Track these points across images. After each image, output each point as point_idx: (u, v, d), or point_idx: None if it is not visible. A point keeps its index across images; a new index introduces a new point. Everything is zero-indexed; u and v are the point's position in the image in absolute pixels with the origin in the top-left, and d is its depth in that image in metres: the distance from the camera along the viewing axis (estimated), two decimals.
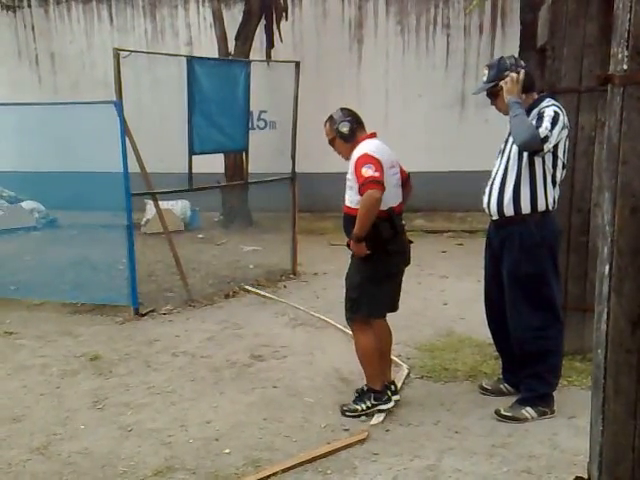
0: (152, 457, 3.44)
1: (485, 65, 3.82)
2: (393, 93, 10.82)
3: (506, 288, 3.75)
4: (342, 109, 3.87)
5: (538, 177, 3.55)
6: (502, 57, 3.72)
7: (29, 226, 9.81)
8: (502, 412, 3.73)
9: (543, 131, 3.41)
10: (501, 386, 4.08)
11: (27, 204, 10.17)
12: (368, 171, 3.55)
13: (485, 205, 3.77)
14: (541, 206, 3.57)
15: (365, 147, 3.68)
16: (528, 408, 3.71)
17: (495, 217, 3.73)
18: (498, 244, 3.76)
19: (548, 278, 3.66)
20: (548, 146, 3.44)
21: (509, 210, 3.62)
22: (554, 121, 3.45)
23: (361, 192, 3.56)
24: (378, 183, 3.54)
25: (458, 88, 10.66)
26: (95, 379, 4.50)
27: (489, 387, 4.10)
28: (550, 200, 3.59)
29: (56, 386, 4.40)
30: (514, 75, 3.54)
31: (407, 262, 3.90)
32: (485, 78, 3.71)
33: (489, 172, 3.85)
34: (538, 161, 3.54)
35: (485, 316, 4.10)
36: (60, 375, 4.58)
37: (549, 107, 3.52)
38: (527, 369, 3.77)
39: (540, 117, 3.47)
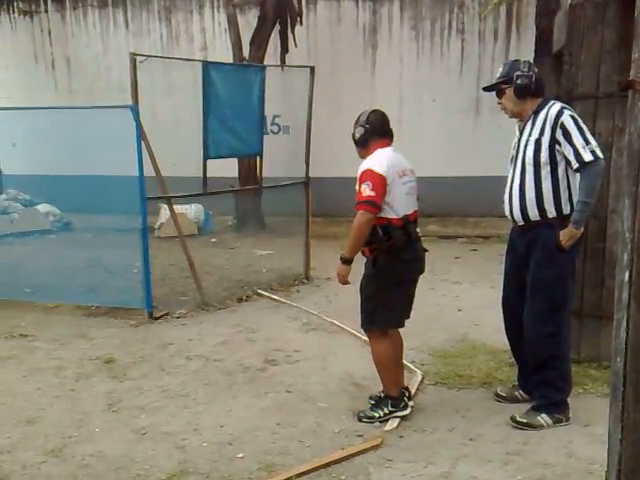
0: (166, 460, 3.44)
1: (502, 63, 3.87)
2: (407, 98, 10.82)
3: (528, 291, 3.72)
4: (372, 112, 3.80)
5: (560, 180, 3.55)
6: (518, 59, 3.77)
7: (44, 229, 9.88)
8: (517, 419, 3.70)
9: (587, 155, 3.42)
10: (516, 393, 4.05)
11: (42, 207, 10.24)
12: (366, 190, 3.57)
13: (508, 212, 3.76)
14: (565, 209, 3.57)
15: (371, 161, 3.66)
16: (543, 415, 3.69)
17: (521, 223, 3.71)
18: (524, 249, 3.73)
19: (568, 282, 3.65)
20: (600, 152, 3.46)
21: (534, 215, 3.62)
22: (581, 130, 3.47)
23: (355, 209, 3.62)
24: (371, 205, 3.57)
25: (472, 93, 10.62)
26: (109, 382, 4.51)
27: (504, 394, 4.07)
28: (574, 202, 3.56)
29: (71, 389, 4.42)
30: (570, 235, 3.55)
31: (421, 270, 3.88)
32: (498, 74, 3.73)
33: (503, 177, 3.84)
34: (560, 166, 3.54)
35: (501, 322, 4.08)
36: (75, 378, 4.60)
37: (562, 114, 3.50)
38: (539, 375, 3.76)
39: (565, 134, 3.46)
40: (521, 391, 4.04)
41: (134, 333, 5.56)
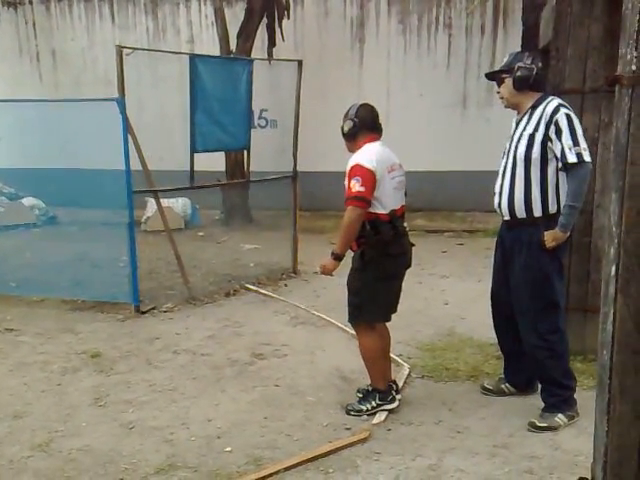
0: (154, 455, 3.44)
1: (508, 53, 3.84)
2: (394, 92, 10.82)
3: (513, 290, 3.74)
4: (361, 106, 3.81)
5: (550, 179, 3.53)
6: (524, 52, 3.81)
7: (29, 223, 9.80)
8: (538, 424, 3.63)
9: (571, 157, 3.40)
10: (502, 386, 4.08)
11: (27, 201, 10.15)
12: (355, 185, 3.57)
13: (496, 205, 3.76)
14: (552, 208, 3.55)
15: (360, 156, 3.65)
16: (560, 415, 3.64)
17: (507, 217, 3.72)
18: (509, 244, 3.75)
19: (554, 281, 3.63)
20: (588, 156, 3.43)
21: (520, 212, 3.61)
22: (572, 130, 3.44)
23: (345, 204, 3.62)
24: (361, 200, 3.57)
25: (460, 88, 10.67)
26: (96, 376, 4.49)
27: (491, 387, 4.10)
28: (562, 203, 3.54)
29: (57, 383, 4.40)
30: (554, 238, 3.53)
31: (408, 265, 3.89)
32: (502, 64, 3.73)
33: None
34: (551, 163, 3.52)
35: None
36: (61, 372, 4.58)
37: (558, 111, 3.48)
38: (542, 375, 3.75)
39: (557, 131, 3.45)
40: (507, 384, 4.07)
41: (121, 327, 5.54)
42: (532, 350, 3.73)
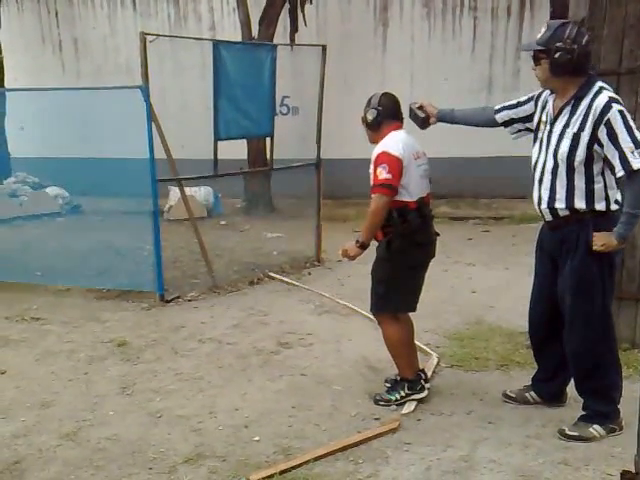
0: (182, 444, 3.41)
1: (546, 22, 3.29)
2: (418, 77, 10.66)
3: (565, 296, 3.33)
4: (383, 95, 3.73)
5: (595, 176, 3.14)
6: (567, 23, 3.17)
7: (53, 212, 9.85)
8: (567, 432, 3.35)
9: (637, 162, 2.95)
10: (527, 394, 3.76)
11: (51, 190, 10.21)
12: (382, 172, 3.51)
13: (536, 205, 3.37)
14: (599, 205, 3.16)
15: (386, 144, 3.59)
16: (596, 426, 3.34)
17: (548, 218, 3.34)
18: (557, 248, 3.35)
19: (607, 286, 3.29)
20: None
21: (563, 212, 3.24)
22: (629, 128, 3.00)
23: (371, 192, 3.57)
24: (388, 187, 3.51)
25: (485, 72, 10.49)
26: (123, 365, 4.49)
27: (513, 395, 3.81)
28: (611, 199, 3.17)
29: (84, 372, 4.39)
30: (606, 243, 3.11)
31: (433, 254, 3.83)
32: (539, 36, 3.20)
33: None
34: (597, 163, 3.13)
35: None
36: (88, 361, 4.58)
37: (610, 109, 3.02)
38: (587, 385, 3.42)
39: (611, 134, 3.01)
40: (533, 393, 3.76)
41: (146, 316, 5.54)
42: (583, 359, 3.37)
